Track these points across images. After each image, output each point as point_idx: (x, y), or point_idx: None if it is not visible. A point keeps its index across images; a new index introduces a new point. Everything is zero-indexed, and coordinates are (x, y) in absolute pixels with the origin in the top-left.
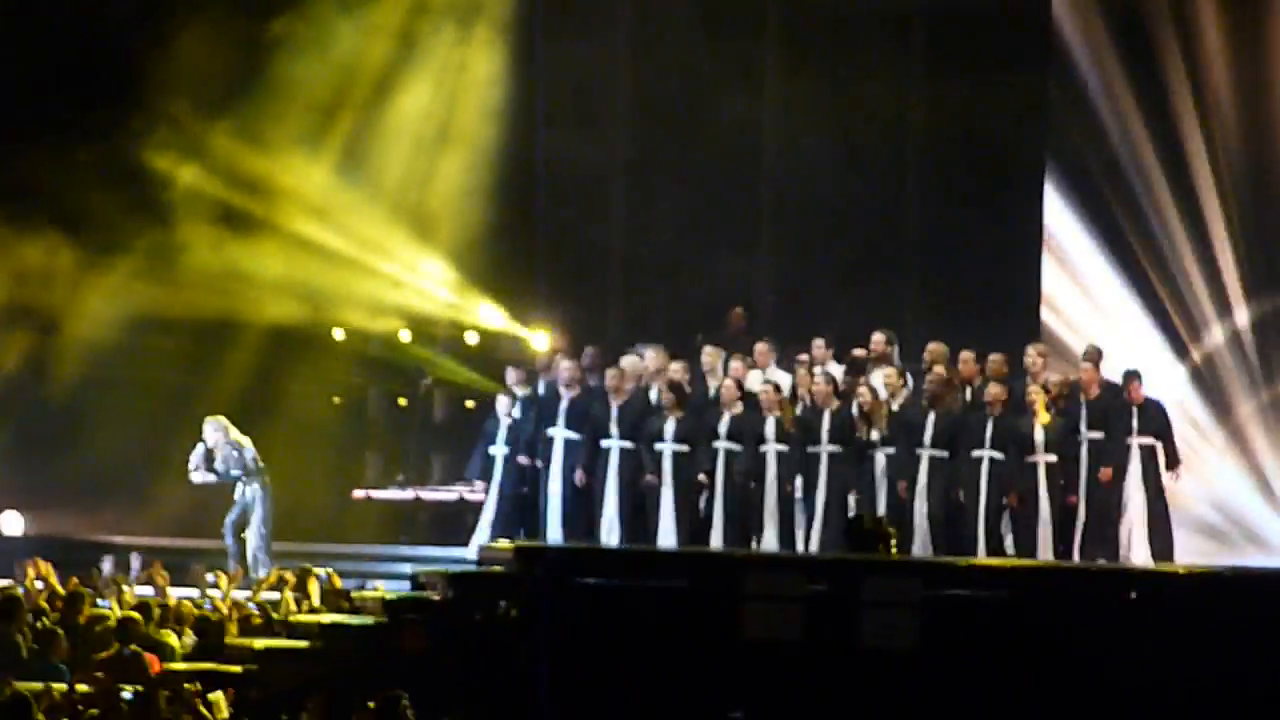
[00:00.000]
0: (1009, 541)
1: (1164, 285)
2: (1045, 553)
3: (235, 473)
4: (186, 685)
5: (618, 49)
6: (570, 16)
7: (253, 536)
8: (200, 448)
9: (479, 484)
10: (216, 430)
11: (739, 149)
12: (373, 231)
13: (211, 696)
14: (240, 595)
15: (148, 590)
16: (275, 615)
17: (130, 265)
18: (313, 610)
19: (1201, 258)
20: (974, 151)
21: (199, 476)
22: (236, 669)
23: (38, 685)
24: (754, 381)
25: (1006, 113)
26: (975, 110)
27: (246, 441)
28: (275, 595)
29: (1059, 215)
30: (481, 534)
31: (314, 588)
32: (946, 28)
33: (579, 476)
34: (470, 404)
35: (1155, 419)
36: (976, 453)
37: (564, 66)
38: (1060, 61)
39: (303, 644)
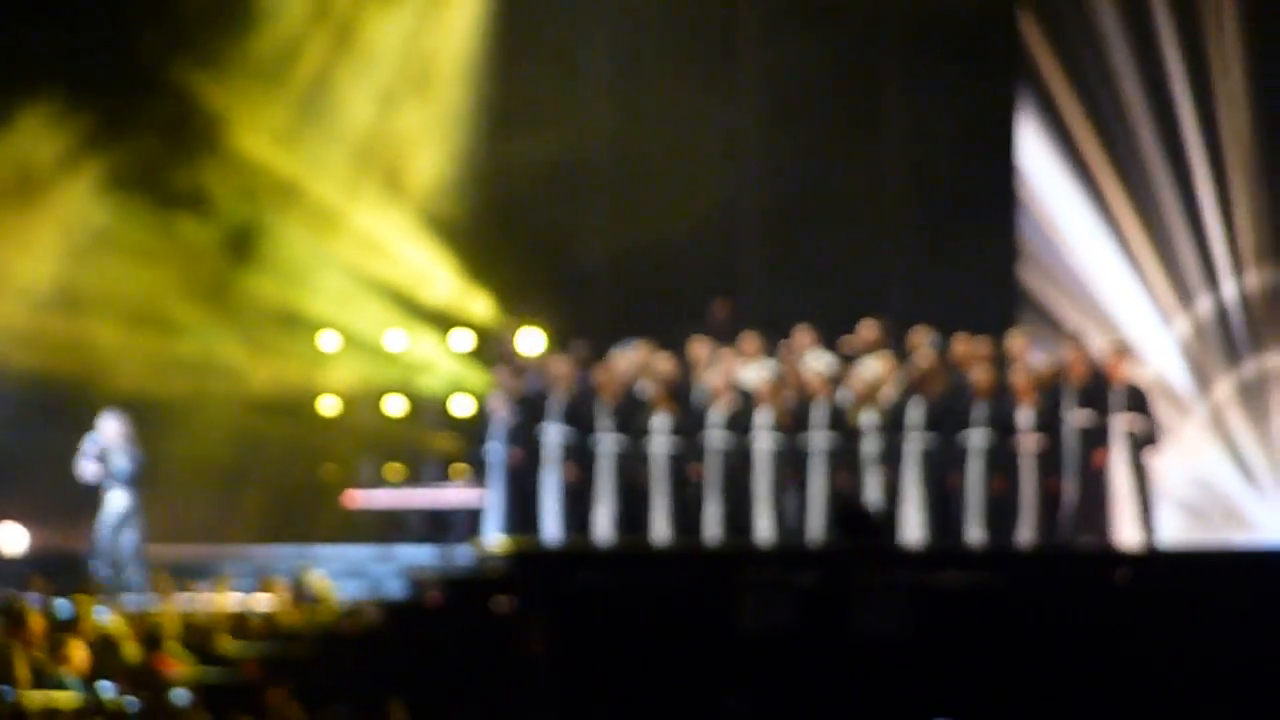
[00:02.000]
0: (997, 526)
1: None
2: (1033, 537)
3: (122, 474)
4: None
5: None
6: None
7: (129, 544)
8: (94, 440)
9: (474, 483)
10: (116, 425)
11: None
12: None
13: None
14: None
15: None
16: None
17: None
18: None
19: (1192, 225)
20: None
21: (88, 471)
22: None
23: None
24: (743, 373)
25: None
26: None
27: (136, 446)
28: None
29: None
30: (477, 533)
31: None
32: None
33: (569, 472)
34: (458, 403)
35: (1138, 400)
36: (964, 437)
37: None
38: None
39: (296, 649)
